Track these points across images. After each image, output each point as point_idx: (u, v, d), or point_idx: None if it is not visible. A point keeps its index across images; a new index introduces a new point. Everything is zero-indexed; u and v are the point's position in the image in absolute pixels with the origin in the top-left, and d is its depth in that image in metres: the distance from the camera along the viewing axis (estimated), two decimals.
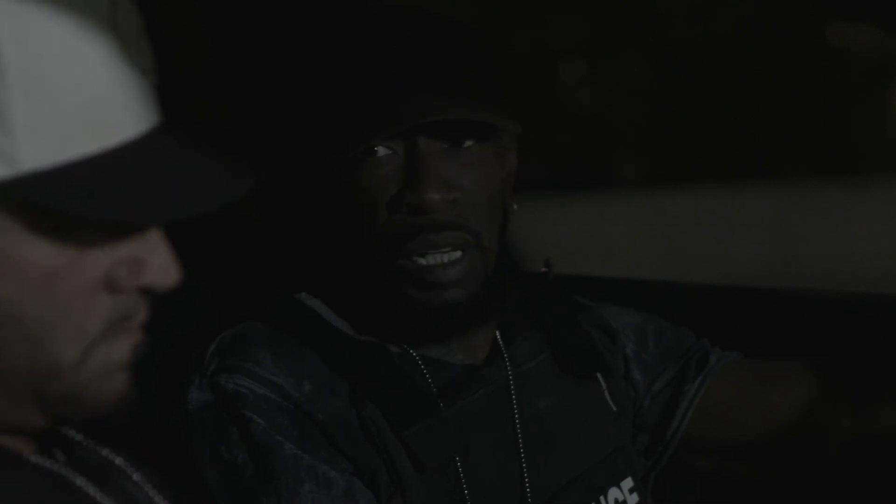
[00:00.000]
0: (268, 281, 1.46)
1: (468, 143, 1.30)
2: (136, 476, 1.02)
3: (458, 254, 1.29)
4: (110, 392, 0.92)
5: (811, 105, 5.51)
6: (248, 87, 1.73)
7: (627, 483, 1.43)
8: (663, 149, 5.75)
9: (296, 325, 1.34)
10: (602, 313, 1.52)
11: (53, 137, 0.83)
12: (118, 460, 1.02)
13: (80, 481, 0.97)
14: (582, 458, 1.41)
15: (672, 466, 1.50)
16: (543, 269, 1.50)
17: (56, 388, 0.90)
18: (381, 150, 1.28)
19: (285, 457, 1.26)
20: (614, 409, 1.46)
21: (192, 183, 0.86)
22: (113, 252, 0.88)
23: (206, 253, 1.55)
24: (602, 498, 1.40)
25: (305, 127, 1.35)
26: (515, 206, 1.38)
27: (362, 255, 1.30)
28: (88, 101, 0.84)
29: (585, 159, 5.55)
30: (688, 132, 5.68)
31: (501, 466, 1.36)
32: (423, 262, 1.29)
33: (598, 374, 1.46)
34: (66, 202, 0.83)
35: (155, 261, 0.89)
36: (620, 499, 1.42)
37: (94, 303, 0.89)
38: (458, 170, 1.29)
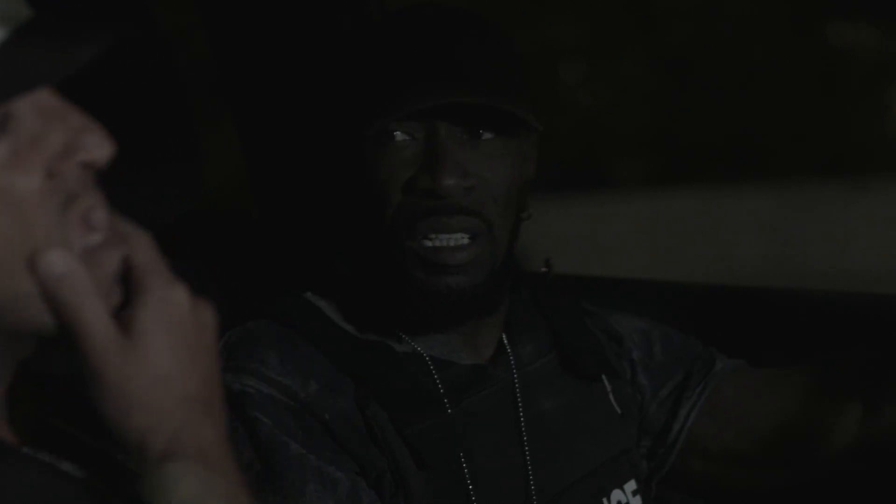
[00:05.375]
0: (274, 280, 1.46)
1: (488, 135, 1.31)
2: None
3: (467, 240, 1.30)
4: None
5: (811, 105, 5.52)
6: (248, 86, 1.74)
7: (631, 485, 1.43)
8: (663, 149, 5.75)
9: (302, 324, 1.34)
10: (608, 319, 1.52)
11: None
12: (118, 455, 1.02)
13: (78, 476, 0.97)
14: (586, 460, 1.41)
15: (675, 475, 1.49)
16: (543, 269, 1.50)
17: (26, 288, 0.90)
18: (400, 136, 1.29)
19: (291, 457, 1.26)
20: (619, 411, 1.46)
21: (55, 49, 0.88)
22: (43, 142, 0.89)
23: (212, 252, 1.55)
24: (605, 500, 1.40)
25: (329, 110, 1.36)
26: (531, 213, 1.38)
27: (373, 236, 1.31)
28: None
29: (585, 159, 5.56)
30: (688, 132, 5.68)
31: (506, 466, 1.36)
32: (430, 244, 1.29)
33: (603, 377, 1.46)
34: None
35: (87, 139, 0.90)
36: (623, 501, 1.42)
37: (46, 192, 0.89)
38: (477, 160, 1.30)
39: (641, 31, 5.71)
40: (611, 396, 1.46)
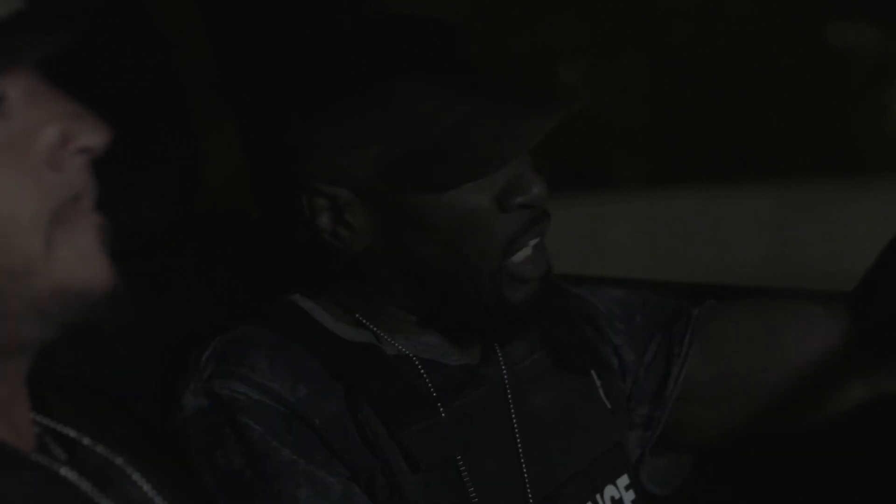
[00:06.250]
0: (271, 281, 1.46)
1: None
2: (135, 476, 1.02)
3: (536, 246, 1.31)
4: (96, 279, 0.92)
5: (811, 105, 5.52)
6: (248, 86, 1.73)
7: (623, 480, 1.43)
8: (663, 149, 5.75)
9: (291, 328, 1.34)
10: (588, 299, 1.51)
11: None
12: (118, 460, 1.02)
13: (79, 481, 0.97)
14: (579, 456, 1.41)
15: (673, 431, 1.49)
16: None
17: (38, 287, 0.90)
18: None
19: (282, 462, 1.25)
20: (608, 406, 1.46)
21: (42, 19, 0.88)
22: (40, 134, 0.90)
23: (212, 252, 1.55)
24: (598, 496, 1.41)
25: (389, 165, 1.32)
26: None
27: (466, 259, 1.30)
28: None
29: (585, 159, 5.56)
30: (688, 132, 5.68)
31: (501, 464, 1.36)
32: (522, 256, 1.30)
33: (593, 372, 1.46)
34: None
35: (82, 126, 0.91)
36: (617, 496, 1.42)
37: (42, 185, 0.90)
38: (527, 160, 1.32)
39: (641, 31, 5.71)
40: (600, 391, 1.46)
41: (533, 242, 1.31)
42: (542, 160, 1.38)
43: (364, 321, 1.35)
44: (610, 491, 1.42)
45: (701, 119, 5.64)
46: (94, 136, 0.91)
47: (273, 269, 1.52)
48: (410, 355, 1.34)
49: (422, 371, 1.34)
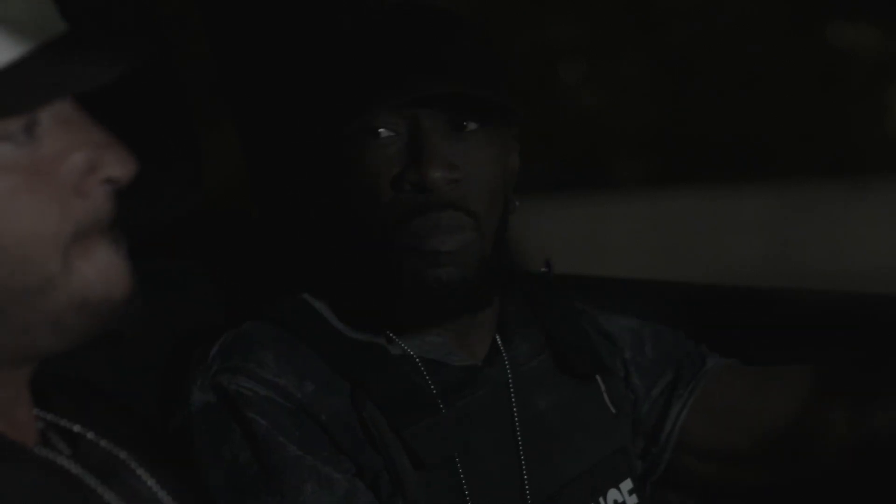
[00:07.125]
0: (271, 281, 1.46)
1: (471, 126, 1.30)
2: (139, 471, 1.03)
3: (457, 230, 1.30)
4: (115, 289, 0.93)
5: (811, 105, 5.52)
6: (248, 86, 1.74)
7: (627, 485, 1.43)
8: (663, 149, 5.75)
9: (298, 325, 1.34)
10: (598, 319, 1.52)
11: None
12: (122, 454, 1.03)
13: (83, 474, 0.98)
14: (581, 459, 1.41)
15: (670, 474, 1.49)
16: (543, 269, 1.50)
17: (57, 301, 0.91)
18: (385, 132, 1.29)
19: (288, 457, 1.26)
20: (613, 410, 1.46)
21: (81, 64, 0.89)
22: (67, 160, 0.90)
23: (211, 253, 1.56)
24: (601, 499, 1.41)
25: (309, 107, 1.36)
26: (517, 203, 1.38)
27: (364, 234, 1.31)
28: None
29: (585, 159, 5.56)
30: (687, 132, 5.68)
31: (501, 466, 1.36)
32: (422, 239, 1.29)
33: (597, 377, 1.46)
34: None
35: (110, 157, 0.91)
36: (620, 500, 1.42)
37: (65, 209, 0.91)
38: (461, 151, 1.30)
39: (641, 31, 5.71)
40: (605, 395, 1.46)
41: (431, 225, 1.30)
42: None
43: (372, 320, 1.35)
44: (613, 495, 1.42)
45: (701, 119, 5.64)
46: (120, 168, 0.92)
47: (274, 268, 1.53)
48: (413, 355, 1.35)
49: (423, 371, 1.34)
